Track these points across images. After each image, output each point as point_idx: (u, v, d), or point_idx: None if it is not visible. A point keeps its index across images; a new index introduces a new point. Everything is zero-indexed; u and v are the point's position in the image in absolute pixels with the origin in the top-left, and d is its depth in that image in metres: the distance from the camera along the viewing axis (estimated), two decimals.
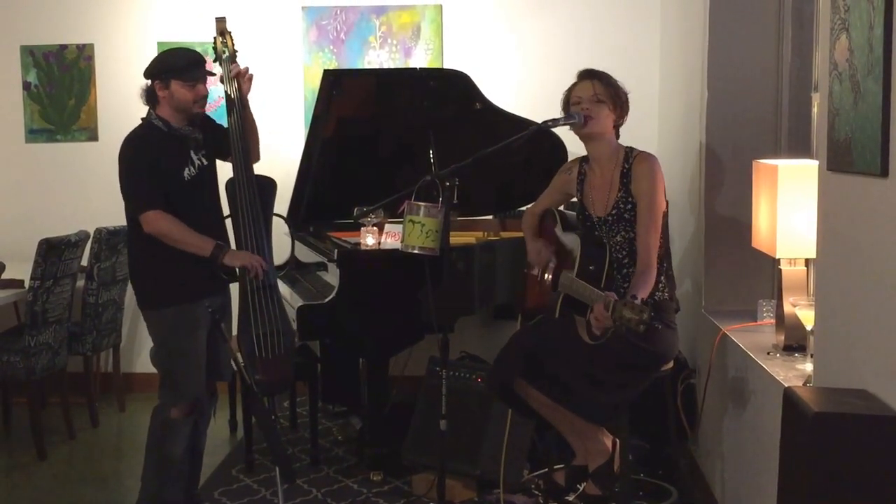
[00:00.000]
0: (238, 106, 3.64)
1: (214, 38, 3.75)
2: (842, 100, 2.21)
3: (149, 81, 3.54)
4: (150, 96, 3.55)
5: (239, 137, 3.62)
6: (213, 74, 3.63)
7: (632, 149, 3.28)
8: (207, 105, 3.64)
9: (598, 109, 3.21)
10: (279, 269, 4.80)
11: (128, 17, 5.46)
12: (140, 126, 3.58)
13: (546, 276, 3.44)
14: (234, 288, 3.67)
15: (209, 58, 3.68)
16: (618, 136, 3.32)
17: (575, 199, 3.45)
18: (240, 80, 3.66)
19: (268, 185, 3.73)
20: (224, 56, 3.71)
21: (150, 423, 3.63)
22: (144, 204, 3.44)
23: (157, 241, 3.47)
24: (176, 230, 3.46)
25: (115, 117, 5.29)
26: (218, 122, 3.78)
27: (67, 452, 4.65)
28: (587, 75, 3.28)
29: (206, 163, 3.62)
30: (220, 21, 3.79)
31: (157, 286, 3.54)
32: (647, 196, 3.16)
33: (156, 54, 4.03)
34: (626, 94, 3.28)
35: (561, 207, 3.65)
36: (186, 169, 3.54)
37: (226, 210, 3.68)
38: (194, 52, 3.63)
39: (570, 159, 4.50)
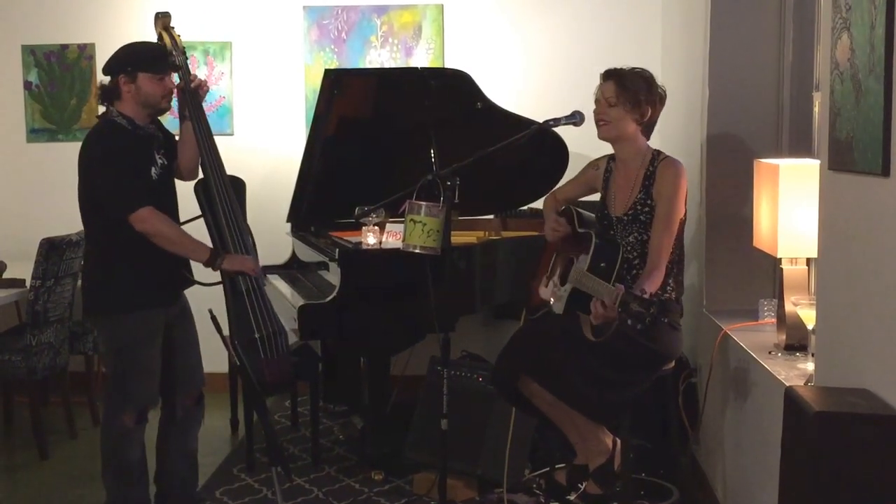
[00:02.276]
0: (197, 112, 3.52)
1: (160, 34, 3.58)
2: (843, 99, 2.21)
3: (108, 77, 3.40)
4: (110, 93, 3.39)
5: (205, 138, 3.50)
6: (178, 69, 3.51)
7: (659, 152, 3.28)
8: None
9: (611, 114, 3.22)
10: (281, 268, 4.83)
11: (129, 17, 5.45)
12: (102, 123, 3.43)
13: (553, 279, 3.43)
14: (208, 291, 3.59)
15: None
16: (649, 136, 3.30)
17: (597, 196, 3.45)
18: (199, 90, 3.55)
19: (240, 185, 3.66)
20: (174, 53, 3.53)
21: (101, 435, 3.55)
22: (135, 202, 3.30)
23: (118, 245, 3.35)
24: (173, 231, 3.37)
25: None
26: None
27: (69, 451, 4.65)
28: (603, 76, 3.28)
29: (167, 163, 3.51)
30: (165, 16, 3.60)
31: (117, 292, 3.41)
32: (667, 200, 3.16)
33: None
34: (646, 93, 3.22)
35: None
36: (153, 168, 3.42)
37: (193, 212, 3.57)
38: (159, 44, 3.51)
39: (570, 159, 4.53)
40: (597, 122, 3.26)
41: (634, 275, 3.19)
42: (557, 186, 3.70)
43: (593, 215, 3.44)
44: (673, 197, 3.16)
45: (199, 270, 3.54)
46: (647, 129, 3.31)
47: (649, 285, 3.00)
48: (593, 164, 3.50)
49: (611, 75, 3.26)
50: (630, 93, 3.21)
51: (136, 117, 3.40)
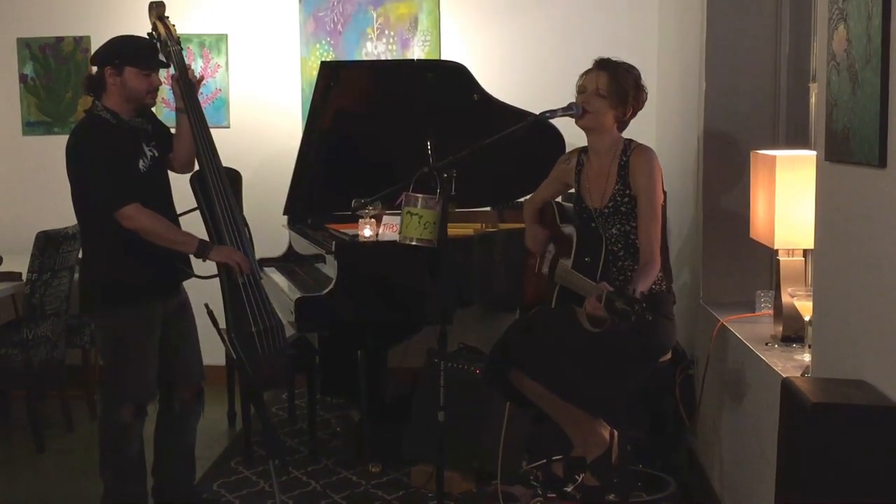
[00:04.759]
0: (192, 103, 3.49)
1: (154, 23, 3.54)
2: (840, 90, 2.21)
3: (94, 68, 3.37)
4: (96, 84, 3.37)
5: (200, 130, 3.48)
6: (168, 65, 3.49)
7: (630, 141, 3.27)
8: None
9: (597, 104, 3.20)
10: (277, 260, 4.83)
11: (124, 9, 5.41)
12: (86, 119, 3.41)
13: (543, 268, 3.44)
14: (206, 285, 3.56)
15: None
16: (622, 130, 3.30)
17: (573, 191, 3.45)
18: (194, 84, 3.53)
19: (235, 177, 3.65)
20: (169, 43, 3.51)
21: (99, 429, 3.55)
22: (121, 199, 3.29)
23: (112, 239, 3.34)
24: (159, 225, 3.35)
25: None
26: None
27: (66, 445, 4.65)
28: (598, 66, 3.24)
29: (157, 154, 3.48)
30: (159, 5, 3.57)
31: (114, 286, 3.39)
32: (647, 190, 3.15)
33: None
34: (634, 92, 3.22)
35: (559, 199, 3.65)
36: (141, 161, 3.39)
37: (189, 204, 3.55)
38: (149, 39, 3.49)
39: (567, 150, 4.51)
40: (583, 110, 3.21)
41: (620, 267, 3.19)
42: (534, 192, 3.66)
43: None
44: (651, 185, 3.16)
45: (197, 264, 3.53)
46: (620, 128, 3.29)
47: (645, 280, 3.00)
48: (564, 159, 3.49)
49: (606, 66, 3.23)
50: (621, 89, 3.21)
51: (120, 111, 3.38)
